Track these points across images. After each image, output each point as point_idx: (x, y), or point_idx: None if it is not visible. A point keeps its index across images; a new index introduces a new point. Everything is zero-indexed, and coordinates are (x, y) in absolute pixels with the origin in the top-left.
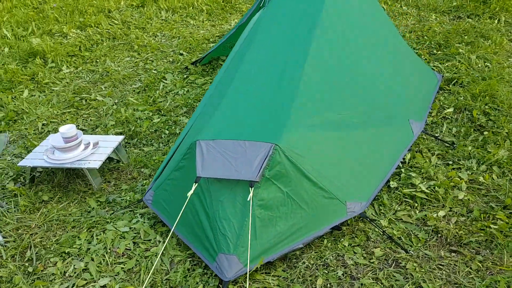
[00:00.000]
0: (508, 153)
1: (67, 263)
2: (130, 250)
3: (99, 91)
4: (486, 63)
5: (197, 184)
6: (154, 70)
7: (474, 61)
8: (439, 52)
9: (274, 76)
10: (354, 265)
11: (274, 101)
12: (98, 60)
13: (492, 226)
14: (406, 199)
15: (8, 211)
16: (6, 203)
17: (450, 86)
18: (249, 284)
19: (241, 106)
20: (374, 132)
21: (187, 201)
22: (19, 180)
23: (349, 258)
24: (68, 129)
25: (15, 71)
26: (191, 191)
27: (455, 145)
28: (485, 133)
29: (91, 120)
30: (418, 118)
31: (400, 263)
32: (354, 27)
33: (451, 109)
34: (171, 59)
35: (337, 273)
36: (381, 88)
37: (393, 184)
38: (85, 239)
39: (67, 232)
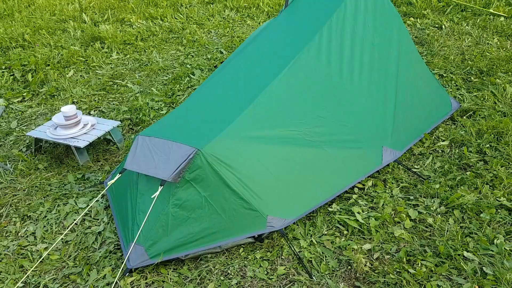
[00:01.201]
0: (476, 198)
1: (25, 225)
2: (76, 224)
3: (132, 79)
4: None
5: (120, 175)
6: (189, 65)
7: (510, 94)
8: (476, 80)
9: (243, 85)
10: (251, 278)
11: (226, 109)
12: (146, 50)
13: (410, 270)
14: (340, 225)
15: (5, 173)
16: (11, 166)
17: (464, 117)
18: (151, 276)
19: (196, 109)
20: (329, 153)
21: (106, 188)
22: (31, 147)
23: (252, 270)
24: (69, 108)
25: (74, 52)
26: (113, 181)
27: (428, 180)
28: (468, 173)
29: (113, 104)
30: (397, 146)
31: (294, 285)
32: (355, 46)
33: (446, 142)
34: (209, 56)
35: (231, 281)
36: (360, 111)
37: (334, 207)
38: (48, 208)
39: (39, 199)
